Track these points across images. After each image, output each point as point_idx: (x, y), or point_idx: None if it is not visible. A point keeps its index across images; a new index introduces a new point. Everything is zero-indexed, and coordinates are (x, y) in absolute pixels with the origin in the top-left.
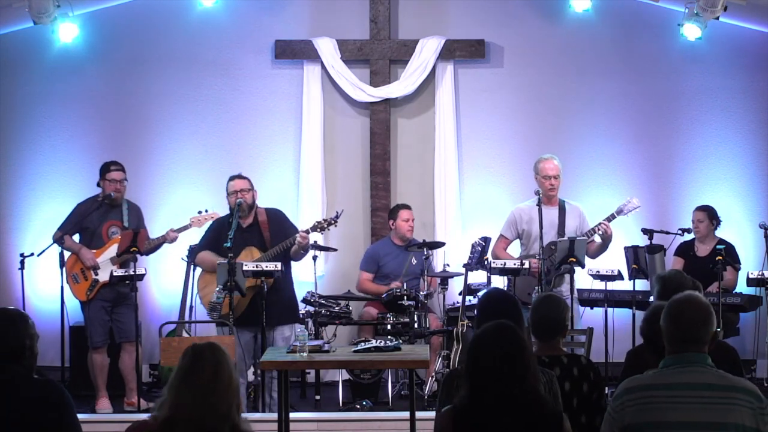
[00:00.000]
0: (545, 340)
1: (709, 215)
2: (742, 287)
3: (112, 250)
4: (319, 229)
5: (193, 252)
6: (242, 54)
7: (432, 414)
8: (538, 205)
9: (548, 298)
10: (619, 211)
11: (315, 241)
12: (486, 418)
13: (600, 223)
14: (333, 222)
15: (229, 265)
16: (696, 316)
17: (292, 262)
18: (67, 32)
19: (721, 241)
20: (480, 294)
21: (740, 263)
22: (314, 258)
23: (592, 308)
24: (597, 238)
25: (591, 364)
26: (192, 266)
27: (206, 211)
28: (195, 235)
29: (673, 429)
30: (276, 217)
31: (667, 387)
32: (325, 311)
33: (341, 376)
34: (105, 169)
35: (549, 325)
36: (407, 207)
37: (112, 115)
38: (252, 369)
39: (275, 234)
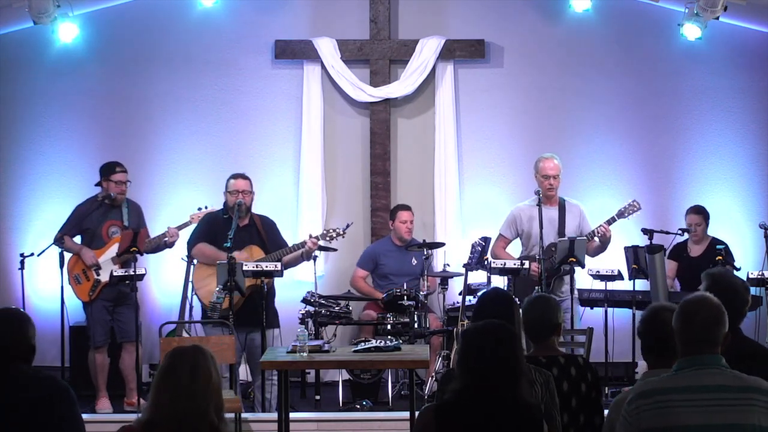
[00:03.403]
0: (541, 341)
1: (705, 217)
2: None
3: (113, 250)
4: (327, 238)
5: (189, 244)
6: (242, 54)
7: None
8: (538, 204)
9: (539, 299)
10: (620, 214)
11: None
12: (470, 417)
13: (600, 226)
14: (342, 233)
15: (229, 265)
16: (709, 316)
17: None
18: (67, 32)
19: (718, 241)
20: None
21: (735, 261)
22: (314, 258)
23: (592, 308)
24: (596, 240)
25: (588, 365)
26: (192, 266)
27: (206, 207)
28: None
29: None
30: (269, 223)
31: (681, 390)
32: (325, 311)
33: (341, 376)
34: (109, 170)
35: (543, 326)
36: (407, 208)
37: (113, 114)
38: (246, 368)
39: (269, 239)
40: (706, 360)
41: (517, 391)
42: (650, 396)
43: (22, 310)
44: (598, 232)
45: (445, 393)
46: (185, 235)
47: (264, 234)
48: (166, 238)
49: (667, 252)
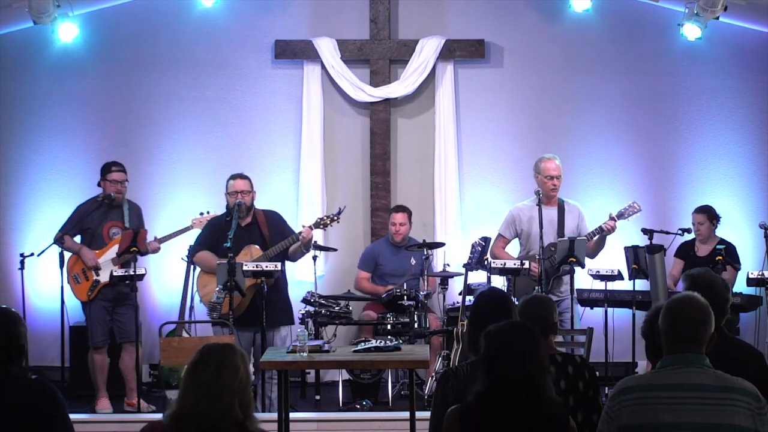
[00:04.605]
0: None
1: (709, 216)
2: (741, 287)
3: (114, 250)
4: (321, 226)
5: (190, 251)
6: (242, 54)
7: None
8: (538, 204)
9: (535, 299)
10: (620, 215)
11: (315, 241)
12: (495, 418)
13: (605, 223)
14: (335, 218)
15: (229, 265)
16: (695, 315)
17: (289, 264)
18: (67, 32)
19: (722, 241)
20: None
21: (740, 263)
22: (314, 258)
23: (592, 308)
24: (596, 237)
25: (585, 363)
26: (192, 266)
27: (207, 212)
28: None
29: (669, 430)
30: (274, 217)
31: (663, 388)
32: (325, 311)
33: (341, 376)
34: (106, 169)
35: (541, 325)
36: (399, 210)
37: (113, 115)
38: (252, 369)
39: (274, 233)
40: (690, 359)
41: (541, 389)
42: (632, 392)
43: (12, 309)
44: (606, 228)
45: (447, 394)
46: (185, 237)
47: (266, 230)
48: (149, 249)
49: (675, 250)
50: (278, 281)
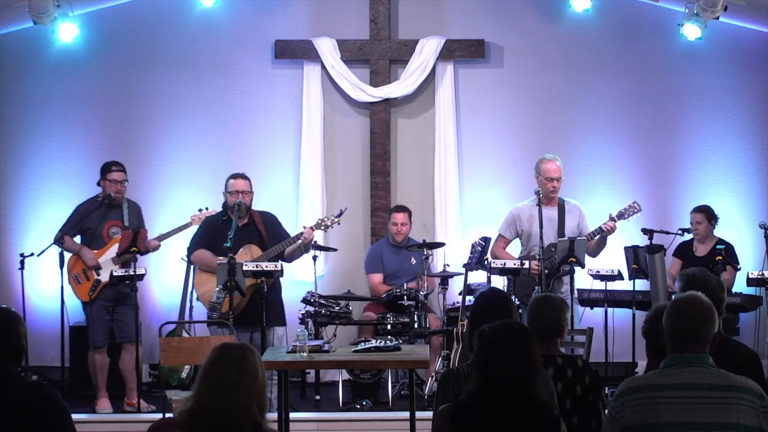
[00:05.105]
0: (543, 340)
1: (708, 216)
2: (741, 287)
3: (113, 250)
4: (322, 227)
5: (188, 250)
6: (242, 54)
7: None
8: (539, 204)
9: (546, 299)
10: (620, 215)
11: (315, 241)
12: (486, 418)
13: (605, 224)
14: (336, 220)
15: (229, 265)
16: (698, 315)
17: (287, 264)
18: (67, 32)
19: (721, 241)
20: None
21: (739, 263)
22: (314, 258)
23: (592, 308)
24: (597, 237)
25: (588, 367)
26: (192, 266)
27: (206, 209)
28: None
29: (672, 430)
30: (270, 218)
31: (666, 387)
32: (325, 311)
33: (341, 376)
34: (106, 169)
35: (547, 325)
36: (400, 210)
37: (113, 115)
38: None
39: (271, 234)
40: (692, 358)
41: (533, 390)
42: (635, 393)
43: (11, 309)
44: (606, 229)
45: (448, 394)
46: (186, 236)
47: (263, 230)
48: (149, 248)
49: (673, 250)
50: (276, 281)
